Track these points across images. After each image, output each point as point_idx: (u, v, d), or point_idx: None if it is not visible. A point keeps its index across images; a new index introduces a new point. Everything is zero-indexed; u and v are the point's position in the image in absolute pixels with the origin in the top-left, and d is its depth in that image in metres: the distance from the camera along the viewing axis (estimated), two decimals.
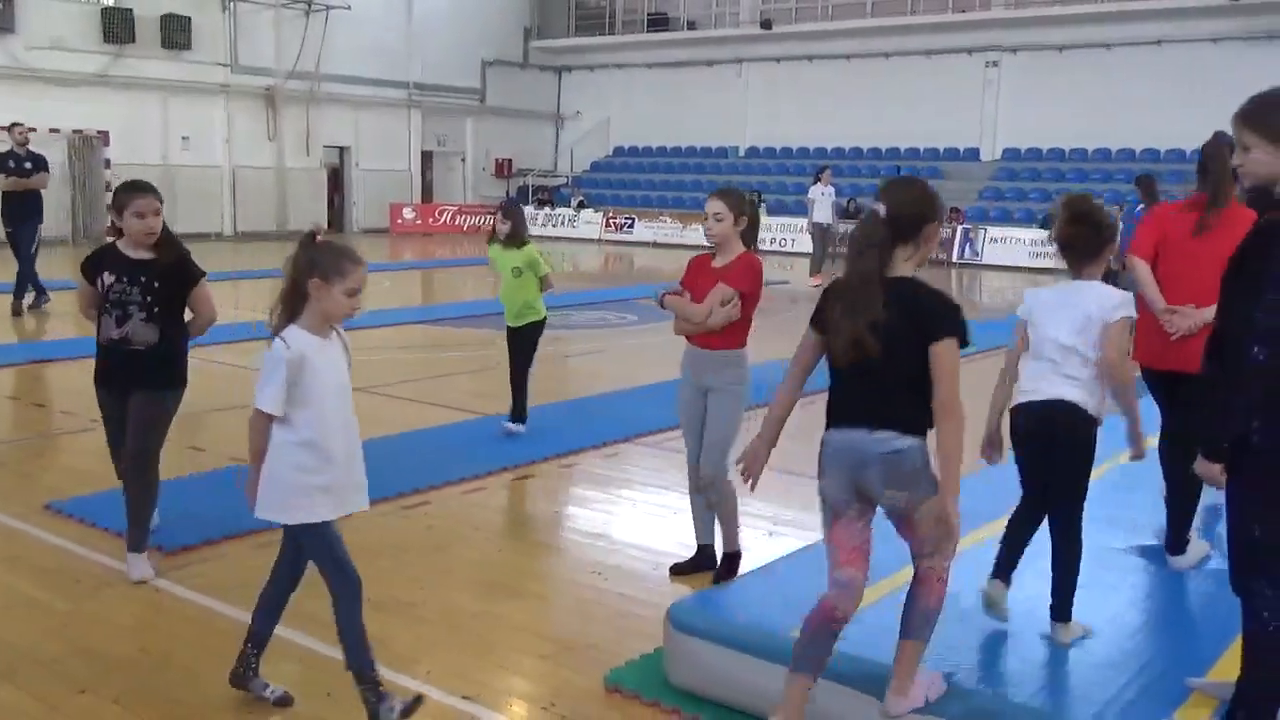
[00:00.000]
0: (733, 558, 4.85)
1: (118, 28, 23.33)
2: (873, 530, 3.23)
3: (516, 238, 7.09)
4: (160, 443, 4.72)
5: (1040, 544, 4.47)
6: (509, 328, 7.22)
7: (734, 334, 4.63)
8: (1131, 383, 3.80)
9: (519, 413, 7.24)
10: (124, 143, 23.08)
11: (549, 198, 30.42)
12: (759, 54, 29.36)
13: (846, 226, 22.55)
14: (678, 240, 25.88)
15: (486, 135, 31.96)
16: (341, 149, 28.63)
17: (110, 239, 4.81)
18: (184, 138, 24.90)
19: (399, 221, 28.46)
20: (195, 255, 4.83)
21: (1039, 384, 3.77)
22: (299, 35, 26.45)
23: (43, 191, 12.60)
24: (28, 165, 12.30)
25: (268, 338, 3.40)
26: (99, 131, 22.88)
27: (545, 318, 7.23)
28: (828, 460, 3.21)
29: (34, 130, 14.15)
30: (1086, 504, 3.84)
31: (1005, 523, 5.01)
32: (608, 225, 28.25)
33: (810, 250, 19.18)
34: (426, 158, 30.99)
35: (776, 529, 5.62)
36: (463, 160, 31.89)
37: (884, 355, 3.03)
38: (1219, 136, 4.38)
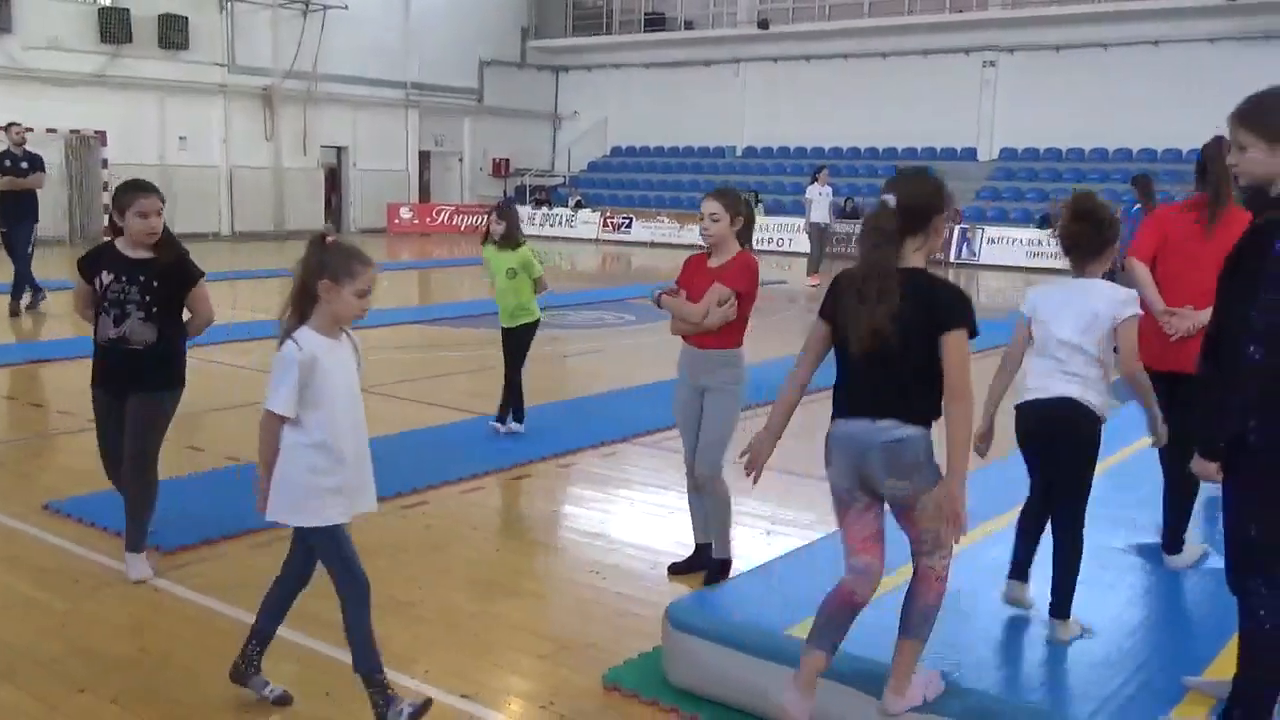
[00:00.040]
0: (724, 564, 4.81)
1: (115, 28, 23.29)
2: (884, 517, 3.24)
3: (511, 239, 7.08)
4: (159, 443, 4.72)
5: (1040, 544, 4.48)
6: (503, 329, 7.22)
7: (730, 334, 4.63)
8: (1145, 376, 3.84)
9: (509, 412, 7.22)
10: (121, 143, 23.05)
11: (546, 198, 30.41)
12: (756, 54, 29.36)
13: (844, 226, 22.63)
14: (675, 240, 25.88)
15: (484, 135, 31.95)
16: (339, 149, 28.61)
17: (107, 238, 4.79)
18: (181, 138, 24.86)
19: (396, 221, 28.45)
20: (192, 255, 4.82)
21: (1044, 382, 3.79)
22: (296, 35, 26.43)
23: (39, 191, 12.59)
24: (24, 165, 12.29)
25: (278, 339, 3.39)
26: (96, 131, 22.85)
27: (539, 319, 7.24)
28: (833, 450, 3.24)
29: (31, 130, 14.15)
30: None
31: (1002, 522, 5.04)
32: (605, 225, 28.25)
33: (808, 250, 19.16)
34: (424, 158, 30.97)
35: (774, 528, 5.62)
36: (460, 160, 31.87)
37: (899, 345, 3.05)
38: (1219, 139, 4.40)
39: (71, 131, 22.51)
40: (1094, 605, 4.01)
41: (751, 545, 5.34)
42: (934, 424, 3.14)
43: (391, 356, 10.16)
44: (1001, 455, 5.93)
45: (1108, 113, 24.05)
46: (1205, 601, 4.16)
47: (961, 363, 3.04)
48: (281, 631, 3.76)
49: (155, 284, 4.55)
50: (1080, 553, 3.82)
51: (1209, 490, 4.21)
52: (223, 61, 25.49)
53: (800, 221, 21.14)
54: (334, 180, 28.80)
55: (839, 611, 3.22)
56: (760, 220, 24.68)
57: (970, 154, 26.58)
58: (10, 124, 12.60)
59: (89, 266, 4.62)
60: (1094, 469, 3.83)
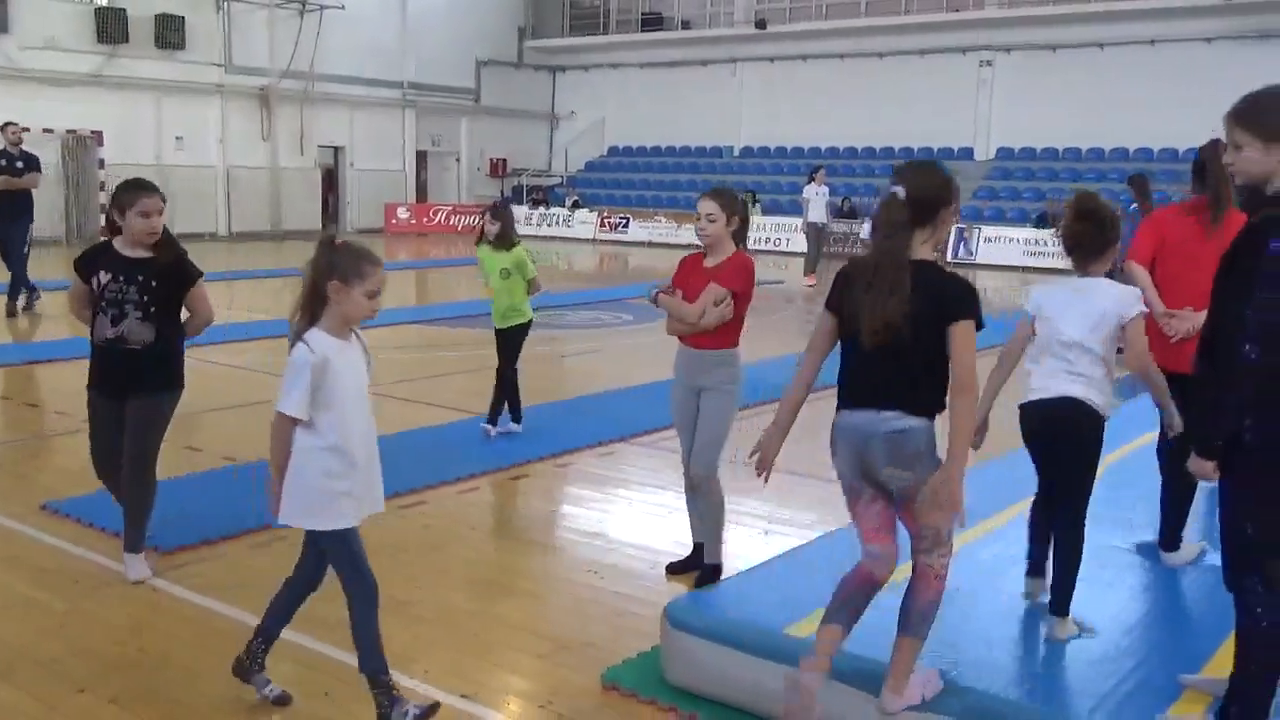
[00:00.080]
0: (714, 569, 4.78)
1: (111, 27, 23.27)
2: (894, 506, 3.25)
3: (505, 239, 7.06)
4: (158, 445, 4.71)
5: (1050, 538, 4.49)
6: (495, 329, 7.21)
7: (726, 334, 4.63)
8: (1158, 371, 3.86)
9: (499, 414, 7.21)
10: (118, 143, 23.04)
11: (543, 197, 30.40)
12: (753, 54, 29.37)
13: (841, 226, 22.65)
14: (672, 240, 25.87)
15: (481, 135, 31.94)
16: (336, 149, 28.60)
17: (104, 238, 4.78)
18: (178, 138, 24.84)
19: (393, 221, 28.44)
20: (189, 256, 4.82)
21: (1047, 382, 3.81)
22: (293, 35, 26.40)
23: (35, 191, 12.56)
24: (19, 165, 12.27)
25: (288, 341, 3.38)
26: (93, 131, 22.85)
27: (531, 320, 7.21)
28: (837, 440, 3.25)
29: (27, 130, 14.14)
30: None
31: (1000, 520, 5.06)
32: (602, 225, 28.25)
33: (805, 250, 19.17)
34: (421, 157, 30.96)
35: (772, 528, 5.63)
36: (457, 160, 31.86)
37: (909, 338, 3.06)
38: (1215, 141, 4.41)
39: (68, 131, 22.50)
40: (1092, 603, 4.02)
41: (749, 544, 5.36)
42: (937, 417, 3.16)
43: (389, 356, 10.16)
44: (998, 453, 5.95)
45: (1104, 112, 24.08)
46: (1202, 599, 4.17)
47: (968, 353, 3.06)
48: (282, 632, 3.76)
49: (154, 283, 4.54)
50: (1080, 551, 3.83)
51: (1208, 487, 4.22)
52: (219, 61, 25.47)
53: (798, 221, 21.14)
54: (331, 180, 28.79)
55: (858, 590, 3.26)
56: (757, 220, 24.71)
57: (967, 153, 26.60)
58: (6, 124, 12.58)
59: (86, 266, 4.60)
60: (1096, 468, 3.85)
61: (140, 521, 4.68)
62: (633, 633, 4.23)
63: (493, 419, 7.19)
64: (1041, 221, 22.33)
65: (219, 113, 25.59)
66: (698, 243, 4.76)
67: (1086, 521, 3.88)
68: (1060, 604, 3.80)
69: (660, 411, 5.56)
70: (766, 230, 25.06)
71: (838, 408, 3.26)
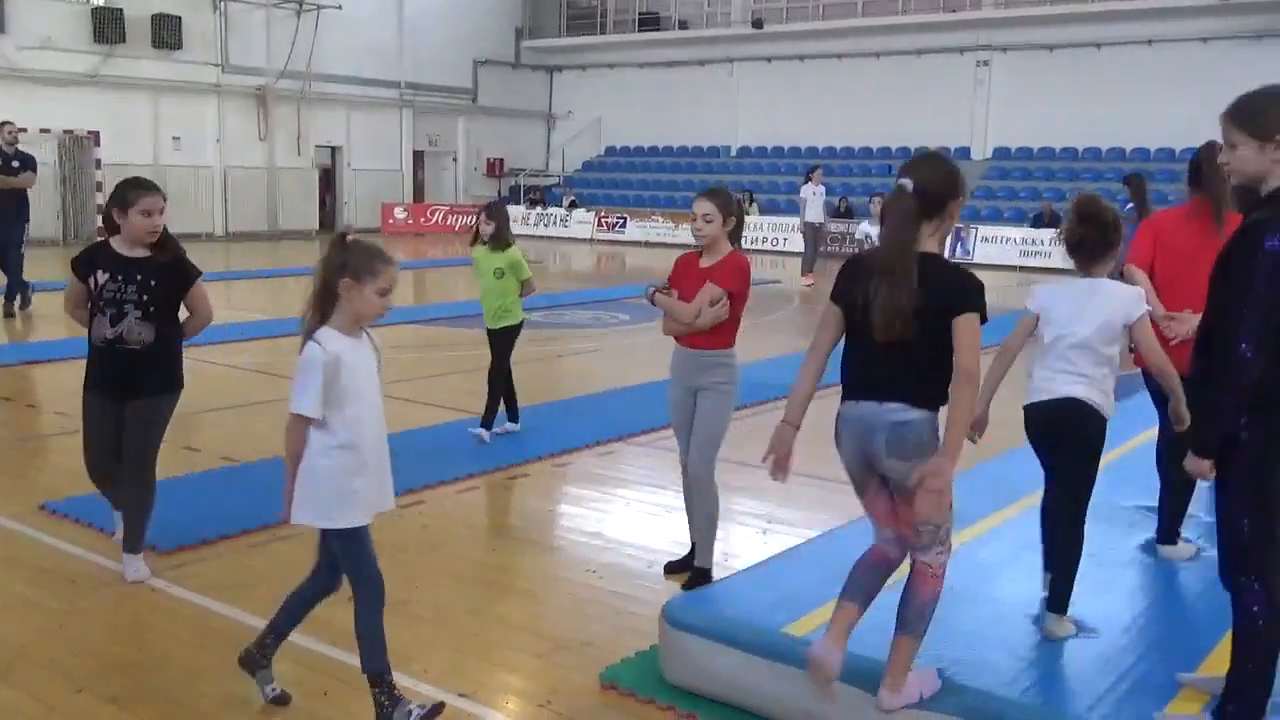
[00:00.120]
0: (704, 573, 4.76)
1: (108, 27, 23.25)
2: None
3: (500, 239, 7.03)
4: (158, 445, 4.71)
5: (1033, 540, 4.51)
6: (487, 329, 7.18)
7: (722, 334, 4.63)
8: (1172, 366, 3.88)
9: (496, 415, 7.19)
10: (115, 143, 23.02)
11: (541, 197, 30.40)
12: (750, 53, 29.38)
13: (838, 226, 22.66)
14: (670, 240, 25.88)
15: (478, 135, 31.94)
16: (333, 149, 28.59)
17: (101, 238, 4.75)
18: (175, 138, 24.83)
19: (391, 221, 28.43)
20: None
21: (1050, 384, 3.84)
22: (290, 35, 26.39)
23: (30, 191, 12.54)
24: (15, 164, 12.25)
25: (300, 338, 3.37)
26: (89, 132, 22.83)
27: (522, 321, 7.18)
28: (841, 431, 3.26)
29: (24, 130, 14.12)
30: None
31: (996, 520, 5.07)
32: (599, 225, 28.26)
33: (802, 249, 19.18)
34: (418, 157, 30.96)
35: (771, 527, 5.64)
36: (454, 160, 31.86)
37: (917, 330, 3.07)
38: (1211, 143, 4.43)
39: (65, 132, 22.48)
40: (1089, 602, 4.03)
41: (748, 544, 5.37)
42: (941, 410, 3.17)
43: (387, 356, 10.08)
44: (995, 453, 5.96)
45: (1101, 112, 24.11)
46: (1199, 598, 4.19)
47: (972, 345, 3.07)
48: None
49: (153, 283, 4.51)
50: (1079, 549, 3.85)
51: (1206, 485, 4.24)
52: (216, 61, 25.46)
53: (795, 221, 21.15)
54: (328, 180, 28.78)
55: (872, 569, 3.29)
56: (755, 220, 24.74)
57: (964, 153, 26.61)
58: (3, 123, 12.56)
59: (84, 265, 4.56)
60: (1096, 466, 3.88)
61: (140, 522, 4.68)
62: (631, 632, 4.23)
63: (487, 423, 7.12)
64: (1038, 221, 22.37)
65: (216, 113, 25.58)
66: (694, 242, 4.77)
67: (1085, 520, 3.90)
68: (1058, 601, 3.82)
69: (658, 411, 5.58)
70: (764, 230, 25.08)
71: (842, 399, 3.27)
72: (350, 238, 3.40)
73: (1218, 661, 3.36)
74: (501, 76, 32.15)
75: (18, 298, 12.55)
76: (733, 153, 30.28)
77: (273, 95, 26.29)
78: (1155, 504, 5.03)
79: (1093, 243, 3.88)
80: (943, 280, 3.11)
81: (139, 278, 4.50)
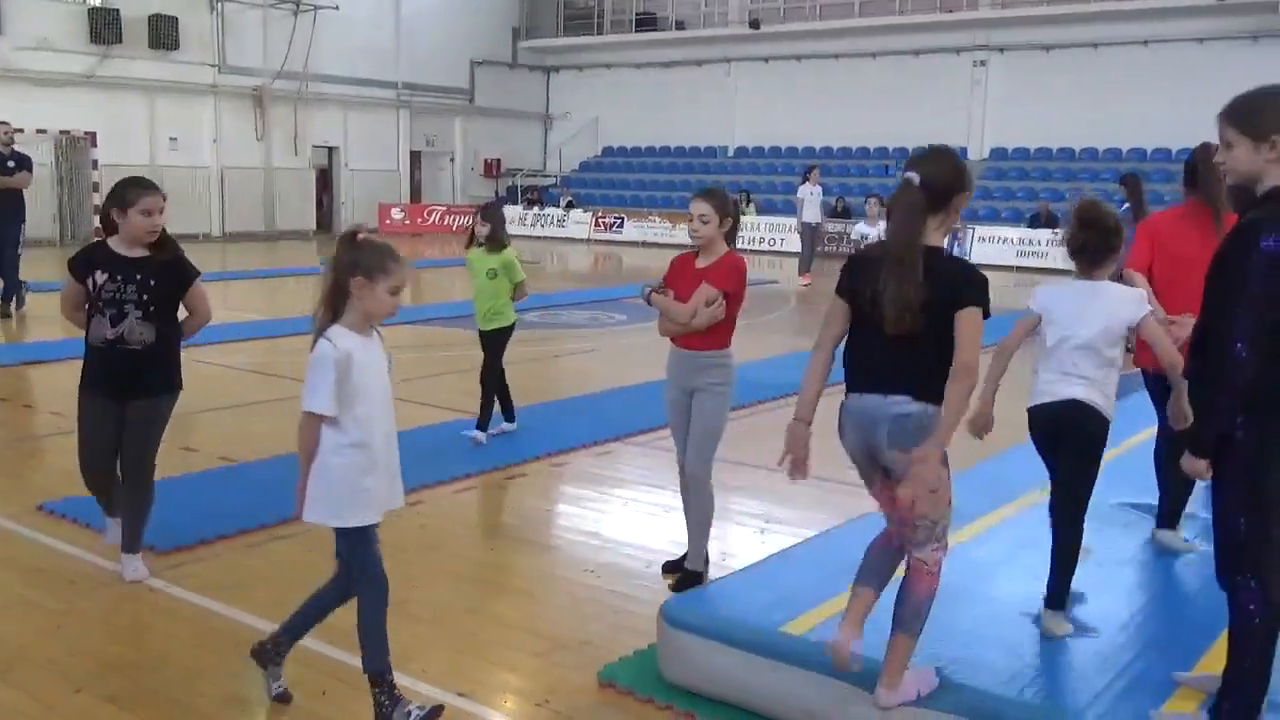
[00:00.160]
0: (694, 576, 4.75)
1: (104, 28, 23.22)
2: None
3: (496, 240, 7.01)
4: (158, 446, 4.70)
5: (1030, 539, 4.52)
6: (479, 330, 7.15)
7: (718, 335, 4.62)
8: (1180, 362, 3.90)
9: (491, 416, 7.18)
10: (111, 143, 22.97)
11: (538, 197, 30.41)
12: (747, 54, 29.40)
13: (835, 226, 22.67)
14: (667, 240, 25.88)
15: (475, 135, 31.94)
16: (330, 149, 28.58)
17: (97, 239, 4.73)
18: (171, 138, 24.81)
19: (388, 222, 28.40)
20: None
21: (1054, 386, 3.88)
22: (287, 35, 26.38)
23: (26, 192, 12.50)
24: (11, 164, 12.23)
25: (311, 337, 3.36)
26: (86, 132, 22.78)
27: (514, 322, 7.14)
28: (845, 423, 3.28)
29: (21, 131, 14.09)
30: None
31: (993, 519, 5.08)
32: (597, 225, 28.26)
33: (799, 249, 19.20)
34: (415, 158, 30.95)
35: (768, 526, 5.65)
36: (451, 160, 31.86)
37: (923, 323, 3.09)
38: (1206, 145, 4.45)
39: (61, 132, 22.45)
40: (1087, 601, 4.06)
41: (746, 543, 5.37)
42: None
43: None
44: (991, 454, 5.97)
45: (1098, 112, 24.14)
46: (1195, 597, 4.20)
47: (973, 339, 3.08)
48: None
49: (152, 282, 4.49)
50: (1077, 547, 3.89)
51: (1204, 485, 4.26)
52: (213, 62, 25.44)
53: (792, 221, 21.17)
54: (325, 180, 28.76)
55: (883, 553, 3.32)
56: (752, 220, 24.75)
57: (961, 153, 26.51)
58: None
59: (82, 266, 4.52)
60: (1097, 467, 3.92)
61: (139, 523, 4.68)
62: (629, 631, 4.24)
63: (482, 425, 7.10)
64: (1035, 222, 22.40)
65: (213, 113, 25.56)
66: (691, 243, 4.76)
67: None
68: (1056, 598, 3.84)
69: (655, 411, 5.58)
70: (761, 230, 25.09)
71: (845, 391, 3.28)
72: (361, 236, 3.39)
73: (1214, 660, 3.37)
74: (498, 77, 32.14)
75: (13, 298, 12.53)
76: (730, 153, 30.30)
77: (269, 95, 26.28)
78: (1152, 503, 5.05)
79: (1094, 247, 3.91)
80: (947, 274, 3.13)
81: (138, 277, 4.47)
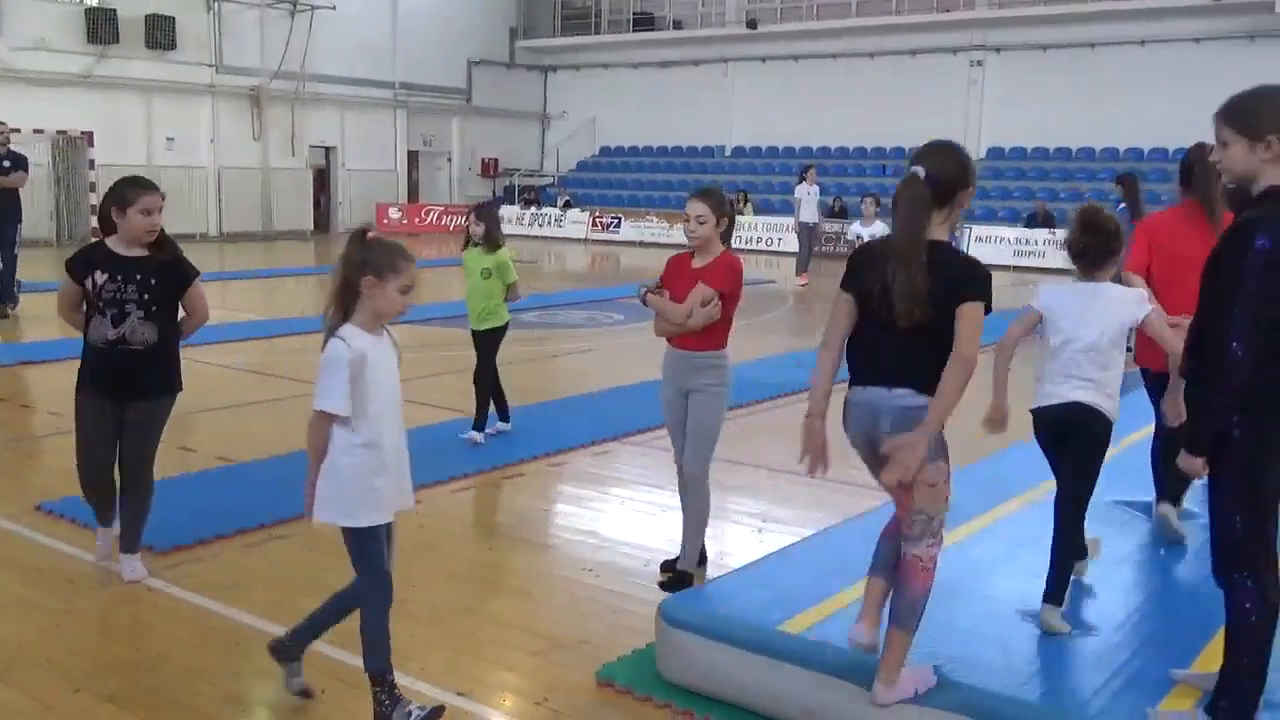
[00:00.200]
0: (685, 577, 4.73)
1: (101, 28, 23.21)
2: None
3: (491, 240, 7.00)
4: (156, 447, 4.69)
5: (1028, 537, 4.54)
6: (472, 331, 7.14)
7: (714, 335, 4.62)
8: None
9: (498, 414, 7.20)
10: (108, 143, 22.94)
11: (535, 197, 30.41)
12: (744, 54, 29.41)
13: (832, 226, 22.68)
14: (664, 240, 25.88)
15: (472, 135, 31.93)
16: (327, 149, 28.57)
17: (95, 239, 4.69)
18: (169, 138, 24.79)
19: (385, 221, 28.37)
20: None
21: (1058, 389, 3.93)
22: (284, 35, 26.37)
23: (22, 192, 12.47)
24: (6, 164, 12.20)
25: (322, 336, 3.35)
26: (83, 132, 22.75)
27: (507, 323, 7.13)
28: (849, 416, 3.29)
29: (17, 131, 14.09)
30: None
31: (988, 519, 5.09)
32: (594, 225, 28.26)
33: (796, 249, 19.20)
34: (412, 157, 30.94)
35: (766, 526, 5.66)
36: (449, 160, 31.85)
37: (931, 317, 3.10)
38: (1200, 145, 4.47)
39: (58, 132, 22.42)
40: (1084, 599, 4.07)
41: (743, 542, 5.38)
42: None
43: None
44: (987, 454, 5.99)
45: (1095, 112, 24.17)
46: (1192, 595, 4.21)
47: (972, 333, 3.10)
48: (277, 630, 3.78)
49: (153, 282, 4.47)
50: (1076, 543, 3.96)
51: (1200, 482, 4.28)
52: (210, 62, 25.42)
53: (789, 221, 21.18)
54: (322, 180, 28.75)
55: (891, 539, 3.35)
56: (749, 220, 24.77)
57: None
58: None
59: (80, 266, 4.49)
60: (1099, 468, 3.99)
61: (139, 523, 4.68)
62: (628, 630, 4.25)
63: (479, 425, 7.11)
64: (1032, 221, 22.42)
65: (210, 113, 25.54)
66: (688, 242, 4.76)
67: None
68: (1054, 592, 3.88)
69: (653, 411, 5.59)
70: (758, 230, 25.10)
71: (849, 384, 3.30)
72: (371, 234, 3.39)
73: (1211, 658, 3.38)
74: (496, 76, 32.14)
75: (8, 299, 12.50)
76: (727, 153, 30.31)
77: (267, 95, 26.26)
78: (1148, 501, 5.07)
79: (1095, 251, 3.96)
80: (952, 268, 3.14)
81: (139, 277, 4.46)
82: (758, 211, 25.97)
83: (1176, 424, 4.05)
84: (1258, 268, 2.84)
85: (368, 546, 3.41)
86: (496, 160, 32.45)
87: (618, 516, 5.91)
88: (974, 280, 3.15)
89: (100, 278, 4.44)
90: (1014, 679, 3.42)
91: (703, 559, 4.93)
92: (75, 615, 4.36)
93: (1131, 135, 23.92)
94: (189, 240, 22.95)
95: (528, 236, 27.71)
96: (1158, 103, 22.66)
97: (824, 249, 21.69)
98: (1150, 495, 5.04)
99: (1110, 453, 4.10)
